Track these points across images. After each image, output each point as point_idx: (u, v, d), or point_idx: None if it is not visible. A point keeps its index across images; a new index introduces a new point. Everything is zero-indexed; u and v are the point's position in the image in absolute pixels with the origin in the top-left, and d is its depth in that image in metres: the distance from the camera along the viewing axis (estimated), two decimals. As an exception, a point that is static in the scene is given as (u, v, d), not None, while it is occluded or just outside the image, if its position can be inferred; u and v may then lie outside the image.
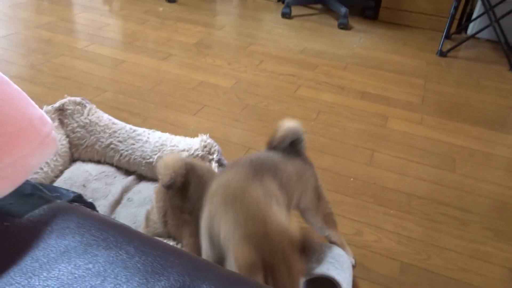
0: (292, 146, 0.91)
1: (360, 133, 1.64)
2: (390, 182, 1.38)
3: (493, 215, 1.27)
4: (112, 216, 1.10)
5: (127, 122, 1.33)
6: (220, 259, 0.66)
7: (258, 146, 1.49)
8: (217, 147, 1.15)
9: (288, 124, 0.91)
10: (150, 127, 1.32)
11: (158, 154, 1.20)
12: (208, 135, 1.18)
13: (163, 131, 1.30)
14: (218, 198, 0.71)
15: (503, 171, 1.49)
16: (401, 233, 1.18)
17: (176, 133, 1.29)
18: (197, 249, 0.81)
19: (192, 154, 1.15)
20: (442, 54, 2.50)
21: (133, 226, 1.07)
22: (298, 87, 1.95)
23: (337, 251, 0.99)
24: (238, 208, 0.66)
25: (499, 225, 1.24)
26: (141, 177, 1.24)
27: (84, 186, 1.16)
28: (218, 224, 0.69)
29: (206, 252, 0.72)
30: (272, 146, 0.89)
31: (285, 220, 0.67)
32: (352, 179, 1.38)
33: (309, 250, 0.65)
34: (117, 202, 1.14)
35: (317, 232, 1.02)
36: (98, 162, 1.26)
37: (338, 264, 0.94)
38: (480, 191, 1.38)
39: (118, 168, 1.25)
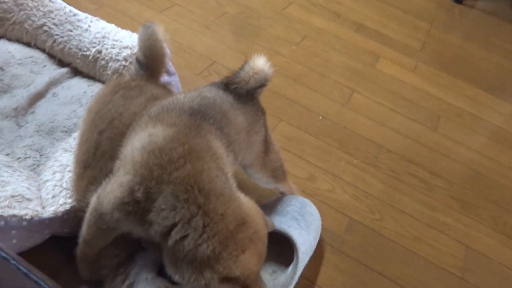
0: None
1: (344, 68, 1.45)
2: (362, 129, 1.22)
3: (463, 185, 1.15)
4: (30, 110, 0.93)
5: (79, 7, 1.11)
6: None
7: (225, 62, 1.29)
8: (166, 51, 0.95)
9: (259, 64, 0.69)
10: (104, 17, 1.10)
11: (97, 47, 1.00)
12: (158, 34, 0.98)
13: (119, 24, 1.08)
14: (138, 154, 0.54)
15: (487, 139, 1.35)
16: (359, 186, 1.05)
17: (134, 30, 1.08)
18: None
19: (135, 53, 0.95)
20: (458, 0, 2.23)
21: (49, 126, 0.90)
22: (288, 4, 1.70)
23: (308, 208, 0.84)
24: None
25: (467, 196, 1.12)
26: (76, 72, 1.05)
27: (1, 69, 0.97)
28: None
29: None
30: (230, 86, 0.69)
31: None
32: (321, 117, 1.21)
33: None
34: (40, 95, 0.96)
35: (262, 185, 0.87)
36: (28, 44, 1.06)
37: (304, 223, 0.79)
38: (457, 156, 1.24)
39: (51, 56, 1.06)
